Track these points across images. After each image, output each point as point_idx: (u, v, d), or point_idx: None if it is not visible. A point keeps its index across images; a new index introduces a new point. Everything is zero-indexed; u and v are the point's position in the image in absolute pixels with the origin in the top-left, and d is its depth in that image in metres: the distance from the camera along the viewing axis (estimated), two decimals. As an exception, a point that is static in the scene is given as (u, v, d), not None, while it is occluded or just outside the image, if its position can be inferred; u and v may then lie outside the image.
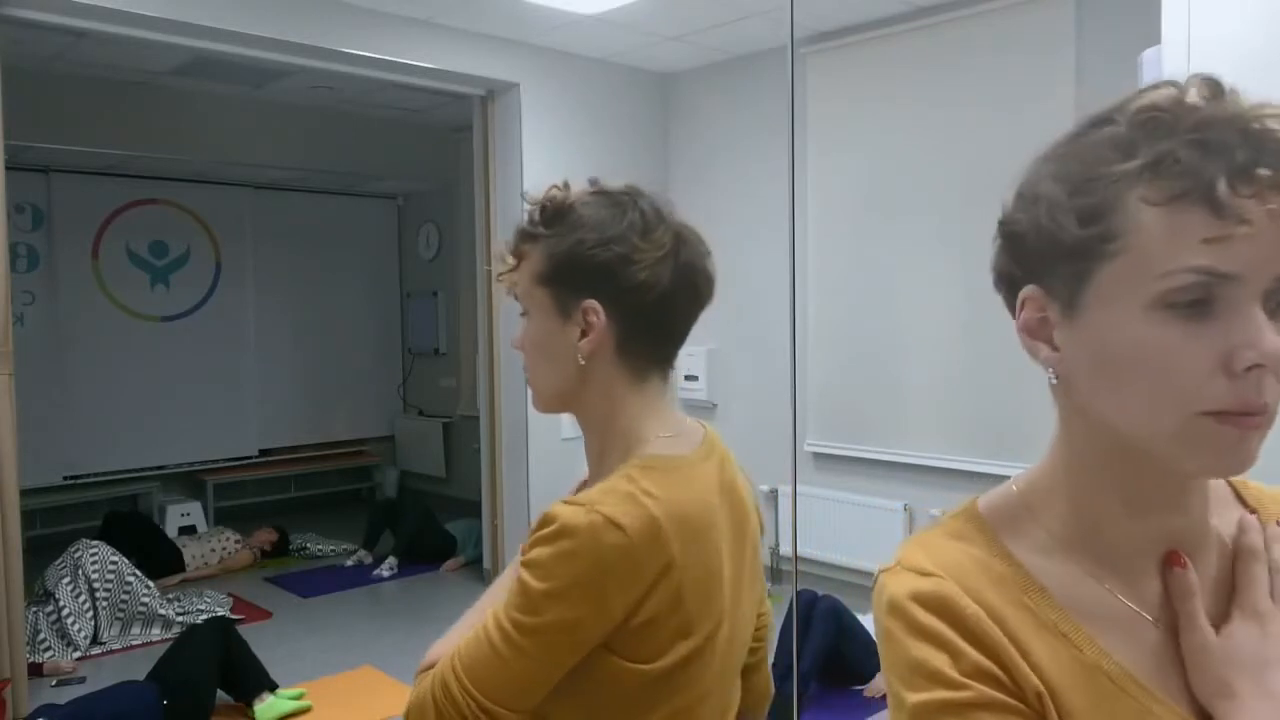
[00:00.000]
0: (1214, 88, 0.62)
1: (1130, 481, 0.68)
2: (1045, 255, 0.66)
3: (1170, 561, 0.69)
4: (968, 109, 3.88)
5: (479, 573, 5.22)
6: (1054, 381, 0.68)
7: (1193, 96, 0.62)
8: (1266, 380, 0.60)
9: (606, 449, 1.06)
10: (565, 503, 0.96)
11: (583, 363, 1.04)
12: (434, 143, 6.85)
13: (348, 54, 3.99)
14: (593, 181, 1.07)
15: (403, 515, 5.76)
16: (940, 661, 0.65)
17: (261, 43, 3.82)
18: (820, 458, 4.48)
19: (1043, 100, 3.64)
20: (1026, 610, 0.66)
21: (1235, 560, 0.71)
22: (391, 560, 5.44)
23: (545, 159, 4.56)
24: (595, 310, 1.02)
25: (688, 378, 4.98)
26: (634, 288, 1.01)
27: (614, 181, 1.08)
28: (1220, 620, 0.68)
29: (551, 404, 1.10)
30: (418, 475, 7.35)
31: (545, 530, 0.94)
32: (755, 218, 4.72)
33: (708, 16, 4.20)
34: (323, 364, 7.12)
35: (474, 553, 5.40)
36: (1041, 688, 0.64)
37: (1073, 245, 0.63)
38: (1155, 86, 0.64)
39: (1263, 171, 0.58)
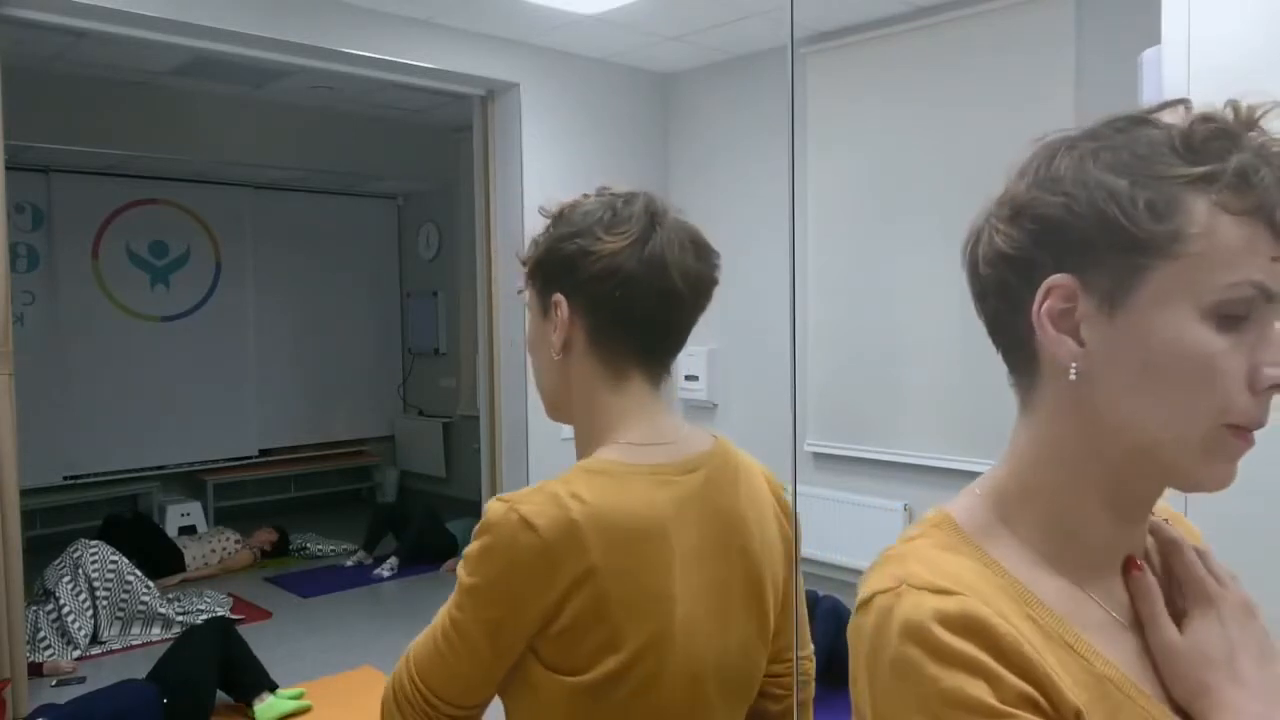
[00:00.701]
0: (1250, 113, 0.64)
1: (1122, 486, 0.68)
2: (1096, 244, 0.63)
3: (1129, 566, 0.70)
4: (968, 109, 3.88)
5: (479, 573, 5.22)
6: (1073, 378, 0.65)
7: (1238, 117, 0.63)
8: (1271, 400, 0.62)
9: (585, 451, 1.06)
10: (498, 499, 0.95)
11: (556, 357, 1.05)
12: (434, 143, 6.85)
13: (348, 54, 3.99)
14: (601, 189, 1.08)
15: (407, 519, 5.75)
16: (979, 690, 0.58)
17: (261, 43, 3.82)
18: (820, 458, 4.48)
19: (1043, 100, 3.64)
20: (1033, 623, 0.64)
21: (1165, 556, 0.73)
22: (393, 561, 5.44)
23: (545, 159, 4.56)
24: (560, 303, 1.03)
25: (688, 378, 4.98)
26: (591, 278, 1.01)
27: (621, 186, 1.08)
28: (1178, 619, 0.69)
29: (549, 409, 1.11)
30: (418, 475, 7.35)
31: (479, 524, 0.95)
32: (755, 218, 4.71)
33: (708, 16, 4.20)
34: (323, 364, 7.13)
35: (474, 553, 5.40)
36: (1080, 707, 0.61)
37: (1139, 238, 0.61)
38: (1175, 103, 0.66)
39: None
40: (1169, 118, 0.65)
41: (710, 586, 1.00)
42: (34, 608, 4.19)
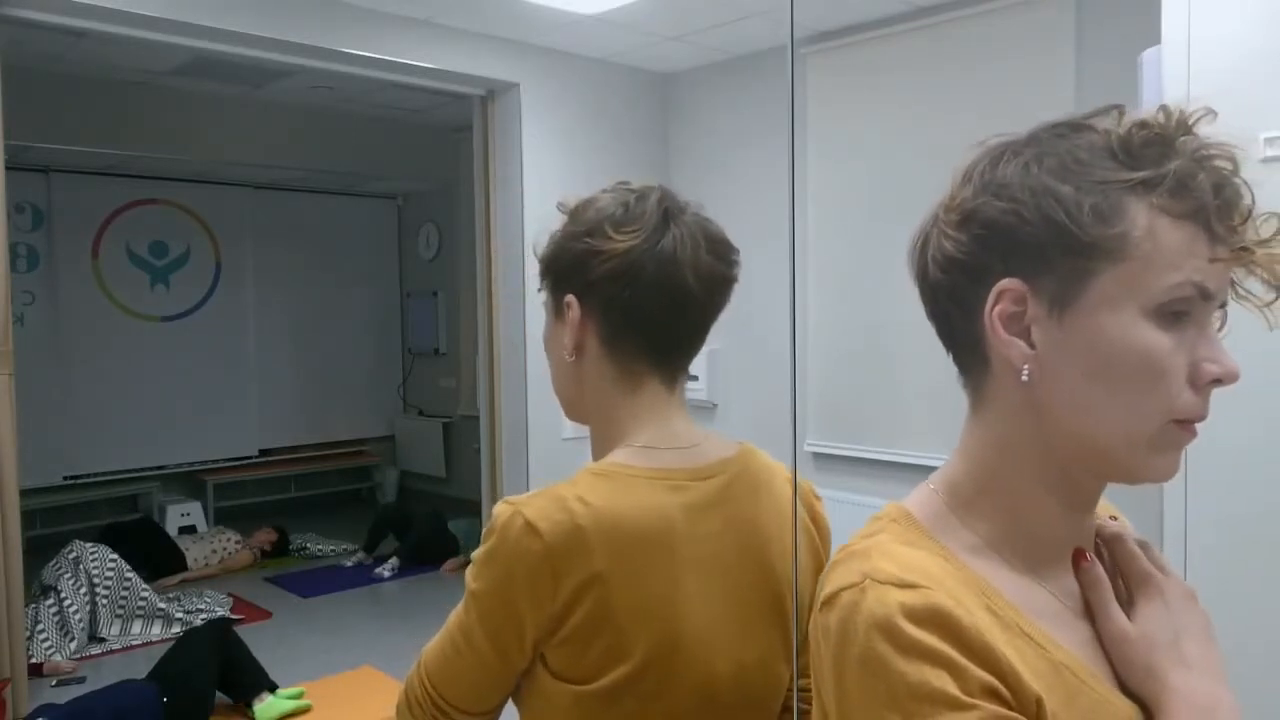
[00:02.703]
0: (1184, 120, 0.65)
1: (1071, 481, 0.70)
2: (1044, 249, 0.65)
3: (1078, 558, 0.72)
4: (967, 109, 3.88)
5: (479, 573, 5.22)
6: (1025, 379, 0.66)
7: (1173, 122, 0.65)
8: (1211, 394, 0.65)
9: (600, 454, 1.03)
10: (505, 501, 0.92)
11: (569, 359, 1.03)
12: (434, 143, 6.85)
13: (348, 54, 3.99)
14: (619, 183, 1.05)
15: (409, 520, 5.75)
16: (944, 682, 0.59)
17: (261, 43, 3.82)
18: (820, 458, 4.48)
19: (1043, 100, 3.64)
20: (992, 614, 0.65)
21: (1109, 548, 0.75)
22: (393, 561, 5.44)
23: (545, 159, 4.56)
24: (572, 304, 1.01)
25: (688, 378, 4.98)
26: (603, 279, 0.98)
27: (638, 181, 1.06)
28: (1124, 608, 0.72)
29: (566, 410, 1.09)
30: (418, 475, 7.35)
31: (486, 527, 0.93)
32: (755, 217, 4.71)
33: (708, 16, 4.20)
34: (323, 364, 7.13)
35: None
36: (1039, 694, 0.62)
37: (1086, 242, 0.63)
38: (1109, 109, 0.68)
39: (1245, 205, 0.64)
40: (1104, 123, 0.67)
41: (727, 596, 0.96)
42: (33, 605, 4.19)
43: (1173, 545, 2.06)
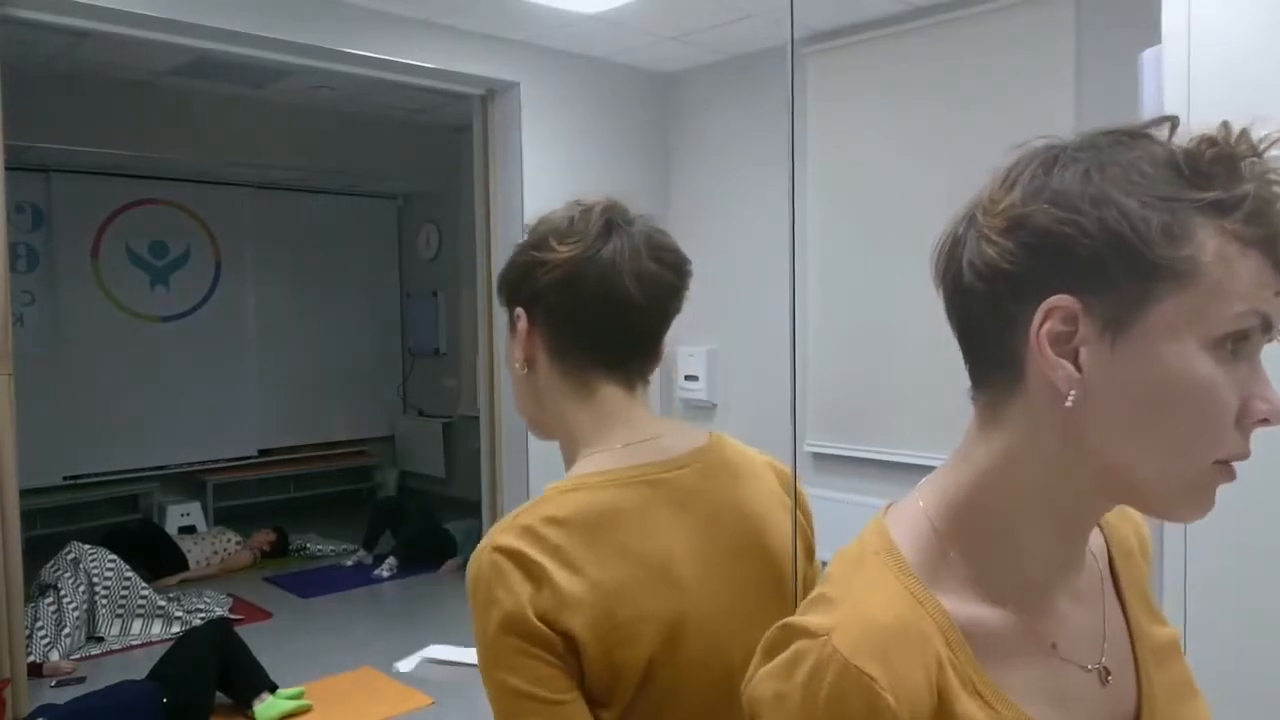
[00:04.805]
0: (1255, 141, 0.61)
1: (1082, 510, 0.67)
2: (1104, 265, 0.60)
3: None
4: (968, 109, 3.88)
5: (479, 573, 5.22)
6: (1069, 404, 0.61)
7: (1242, 143, 0.61)
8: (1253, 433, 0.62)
9: (569, 465, 1.03)
10: (475, 554, 0.91)
11: (522, 372, 1.04)
12: (434, 143, 6.85)
13: (348, 54, 3.99)
14: (573, 202, 1.06)
15: (403, 515, 5.77)
16: None
17: (261, 43, 3.82)
18: (820, 458, 4.48)
19: (1043, 100, 3.64)
20: (951, 669, 0.63)
21: None
22: (391, 561, 5.44)
23: (545, 159, 4.56)
24: (519, 316, 1.03)
25: (688, 378, 4.98)
26: (545, 289, 1.00)
27: (594, 196, 1.06)
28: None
29: (530, 427, 1.10)
30: (418, 475, 7.35)
31: (468, 582, 0.92)
32: (755, 217, 4.72)
33: (708, 16, 4.20)
34: (323, 364, 7.13)
35: (474, 553, 5.40)
36: None
37: (1152, 262, 0.59)
38: (1161, 120, 0.64)
39: None
40: (1160, 134, 0.63)
41: (727, 583, 0.97)
42: (31, 605, 4.19)
43: (1173, 544, 2.06)
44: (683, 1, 4.00)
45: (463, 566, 5.44)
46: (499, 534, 0.91)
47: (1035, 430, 0.65)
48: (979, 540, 0.68)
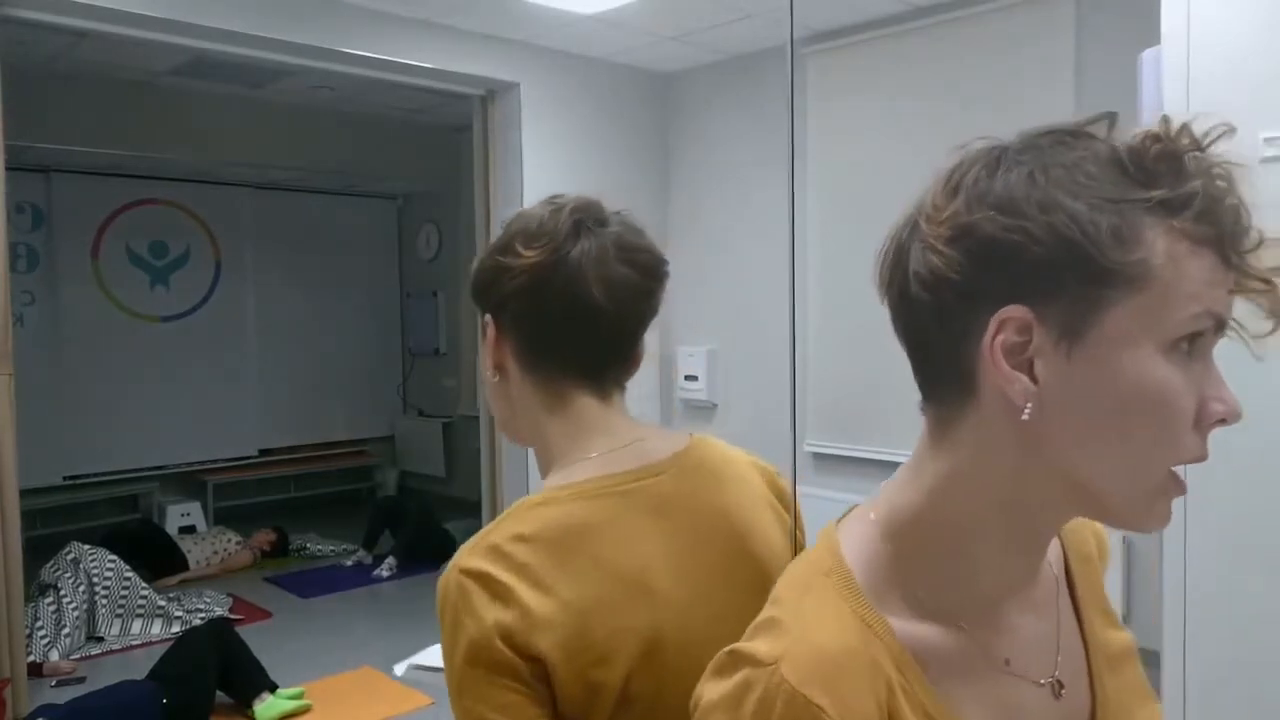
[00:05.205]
0: (1194, 134, 0.59)
1: (1038, 525, 0.66)
2: (1056, 273, 0.58)
3: None
4: (968, 109, 3.88)
5: (479, 573, 5.22)
6: (1026, 418, 0.59)
7: (1186, 139, 0.59)
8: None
9: (545, 476, 1.00)
10: (443, 575, 0.88)
11: (493, 379, 1.01)
12: (434, 143, 6.85)
13: (348, 54, 3.99)
14: (549, 199, 1.02)
15: (403, 515, 5.77)
16: None
17: (261, 43, 3.82)
18: (820, 458, 4.47)
19: (1043, 100, 3.64)
20: (902, 693, 0.62)
21: None
22: (391, 560, 5.44)
23: (545, 159, 4.56)
24: (488, 323, 1.00)
25: (688, 378, 4.98)
26: (510, 296, 0.96)
27: (569, 194, 1.02)
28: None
29: (508, 434, 1.06)
30: (418, 475, 7.35)
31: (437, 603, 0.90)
32: (755, 217, 4.72)
33: (708, 16, 4.20)
34: (323, 364, 7.13)
35: (474, 553, 5.40)
36: None
37: (1105, 267, 0.57)
38: (1100, 116, 0.63)
39: (1255, 231, 0.59)
40: (1100, 132, 0.61)
41: (709, 591, 0.93)
42: (31, 605, 4.19)
43: (1172, 546, 2.05)
44: (683, 1, 4.00)
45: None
46: (466, 555, 0.88)
47: (990, 444, 0.62)
48: (931, 559, 0.66)
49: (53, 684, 3.84)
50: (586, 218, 0.96)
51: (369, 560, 5.58)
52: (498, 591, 0.85)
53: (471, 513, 5.49)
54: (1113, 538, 3.49)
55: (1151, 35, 2.04)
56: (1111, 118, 0.63)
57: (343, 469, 7.34)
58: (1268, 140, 1.88)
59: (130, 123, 5.82)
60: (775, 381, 4.66)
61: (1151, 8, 2.02)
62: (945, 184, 0.63)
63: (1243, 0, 1.92)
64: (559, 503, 0.91)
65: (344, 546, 5.87)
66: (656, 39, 4.50)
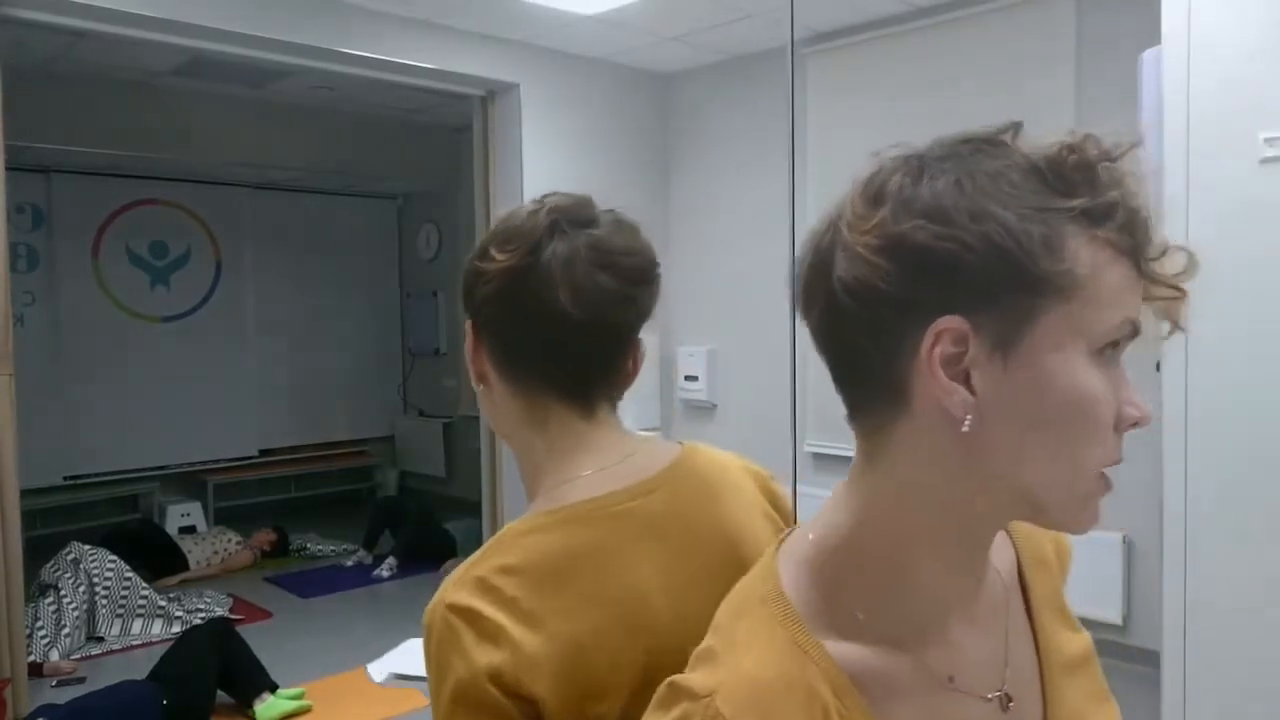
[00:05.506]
0: (1110, 149, 0.60)
1: (976, 537, 0.65)
2: (990, 283, 0.57)
3: None
4: (968, 109, 3.89)
5: (479, 573, 5.22)
6: (966, 429, 0.59)
7: (1098, 151, 0.59)
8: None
9: (529, 494, 0.95)
10: (429, 608, 0.85)
11: (478, 388, 0.97)
12: (434, 143, 6.85)
13: (348, 54, 3.99)
14: (541, 196, 0.96)
15: (403, 515, 5.77)
16: None
17: (261, 43, 3.82)
18: (820, 458, 4.47)
19: (1043, 100, 3.64)
20: (839, 718, 0.61)
21: None
22: (391, 560, 5.44)
23: (545, 159, 4.57)
24: (468, 330, 0.95)
25: (688, 378, 4.98)
26: (484, 302, 0.91)
27: (560, 192, 0.98)
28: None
29: (502, 437, 1.02)
30: (418, 475, 7.35)
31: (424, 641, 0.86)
32: (755, 217, 4.72)
33: (708, 16, 4.20)
34: (323, 364, 7.13)
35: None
36: None
37: (1037, 276, 0.57)
38: (1006, 126, 0.62)
39: (1161, 238, 0.60)
40: (1010, 140, 0.61)
41: (706, 609, 0.88)
42: (31, 605, 4.19)
43: (1172, 549, 2.06)
44: (683, 2, 4.00)
45: (463, 566, 5.45)
46: (452, 588, 0.84)
47: (925, 456, 0.61)
48: (867, 577, 0.65)
49: (53, 684, 3.84)
50: (564, 218, 0.90)
51: (369, 560, 5.58)
52: (486, 630, 0.81)
53: (472, 513, 5.49)
54: (1113, 538, 3.50)
55: (1151, 35, 2.04)
56: (1016, 127, 0.62)
57: (343, 469, 7.34)
58: (1268, 140, 1.88)
59: (130, 123, 5.82)
60: (775, 381, 4.66)
61: (1151, 8, 2.02)
62: (865, 190, 0.63)
63: (1243, 1, 1.92)
64: (547, 530, 0.86)
65: (344, 546, 5.87)
66: (657, 39, 4.50)
